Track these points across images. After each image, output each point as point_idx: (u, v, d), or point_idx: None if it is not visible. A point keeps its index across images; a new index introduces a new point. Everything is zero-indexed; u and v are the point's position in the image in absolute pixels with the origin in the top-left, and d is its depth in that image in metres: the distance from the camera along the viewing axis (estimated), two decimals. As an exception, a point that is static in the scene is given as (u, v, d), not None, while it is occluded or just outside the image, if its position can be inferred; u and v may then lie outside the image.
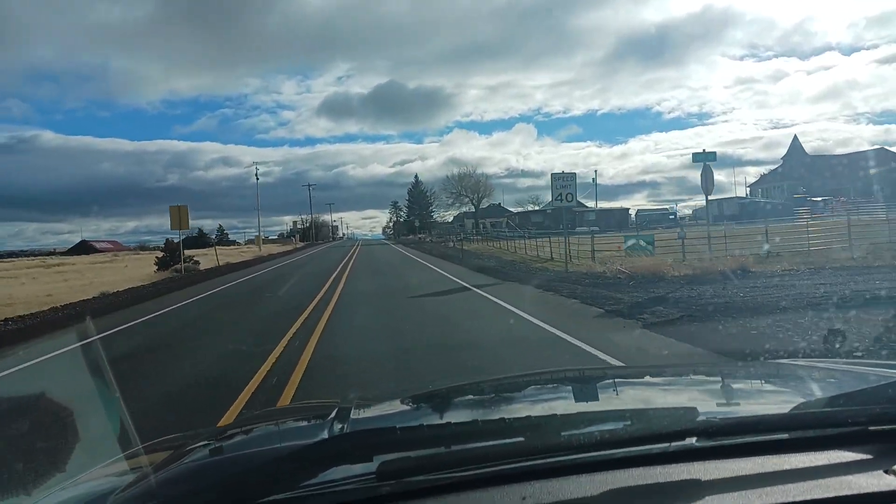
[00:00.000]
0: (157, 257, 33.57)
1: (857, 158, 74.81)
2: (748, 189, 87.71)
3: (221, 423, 4.86)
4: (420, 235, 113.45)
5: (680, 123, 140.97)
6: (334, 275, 23.31)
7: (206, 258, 46.84)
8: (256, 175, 75.78)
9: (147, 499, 1.15)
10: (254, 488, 1.10)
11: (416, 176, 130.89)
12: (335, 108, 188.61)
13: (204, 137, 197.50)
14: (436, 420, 1.66)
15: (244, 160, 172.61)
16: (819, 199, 61.77)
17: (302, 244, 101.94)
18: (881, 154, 74.18)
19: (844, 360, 3.96)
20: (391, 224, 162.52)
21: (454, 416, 1.74)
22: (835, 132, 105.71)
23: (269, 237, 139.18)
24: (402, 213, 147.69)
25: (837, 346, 6.22)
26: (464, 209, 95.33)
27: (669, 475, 1.14)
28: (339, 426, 1.51)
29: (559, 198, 20.21)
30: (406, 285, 17.79)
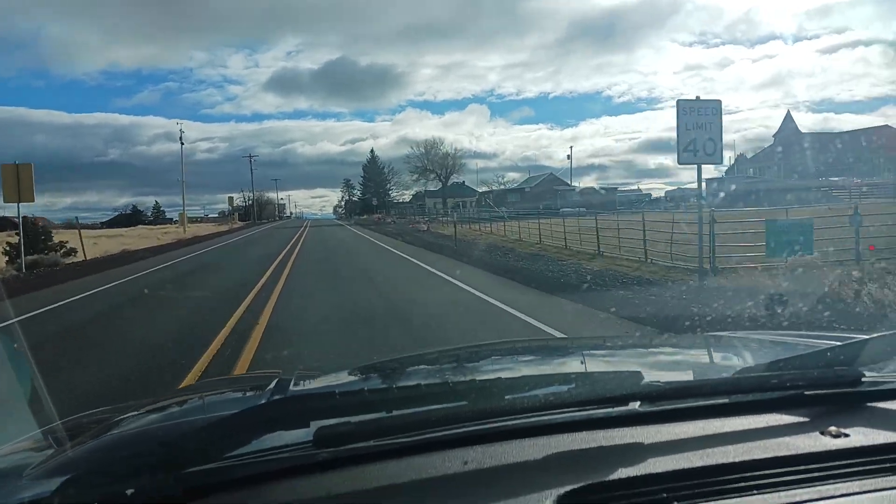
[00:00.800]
0: (7, 244, 22.79)
1: (857, 136, 68.47)
2: (731, 167, 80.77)
3: None
4: (377, 215, 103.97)
5: (629, 108, 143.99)
6: (257, 287, 13.25)
7: (113, 241, 36.47)
8: (181, 139, 63.45)
9: (65, 471, 1.06)
10: (179, 458, 1.03)
11: (371, 150, 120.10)
12: (284, 83, 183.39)
13: (147, 111, 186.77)
14: (378, 385, 1.61)
15: (189, 135, 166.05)
16: (837, 179, 54.57)
17: (241, 224, 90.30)
18: (885, 132, 67.98)
19: (780, 332, 3.46)
20: (343, 203, 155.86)
21: (397, 382, 1.71)
22: (777, 119, 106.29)
23: (209, 215, 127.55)
24: (355, 192, 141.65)
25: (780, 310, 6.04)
26: (429, 186, 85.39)
27: (612, 439, 1.14)
28: (277, 394, 1.44)
29: (690, 147, 10.64)
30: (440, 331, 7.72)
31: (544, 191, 65.20)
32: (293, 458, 1.06)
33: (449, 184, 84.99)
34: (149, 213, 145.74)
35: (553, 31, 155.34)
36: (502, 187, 79.50)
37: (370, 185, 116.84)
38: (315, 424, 1.07)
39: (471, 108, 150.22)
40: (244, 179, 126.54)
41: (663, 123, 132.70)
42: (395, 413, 1.15)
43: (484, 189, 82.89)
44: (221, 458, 1.04)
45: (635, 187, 74.84)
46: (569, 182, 71.56)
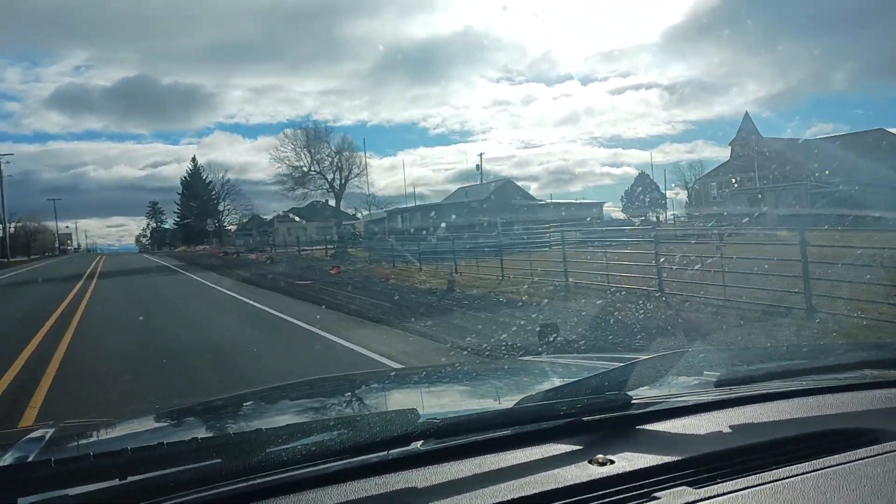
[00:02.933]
0: None
1: (849, 143, 55.48)
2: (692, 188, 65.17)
3: None
4: (207, 246, 74.72)
5: (444, 139, 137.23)
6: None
7: None
8: None
9: None
10: None
11: (193, 160, 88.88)
12: (72, 101, 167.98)
13: None
14: (115, 446, 1.36)
15: None
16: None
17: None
18: (881, 136, 55.84)
19: (580, 354, 3.60)
20: (149, 232, 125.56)
21: (141, 441, 1.51)
22: (575, 153, 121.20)
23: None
24: (164, 218, 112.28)
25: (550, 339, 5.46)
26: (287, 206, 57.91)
27: (385, 486, 1.07)
28: (10, 460, 1.28)
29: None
30: None
31: (499, 205, 42.13)
32: None
33: (302, 204, 60.29)
34: None
35: (369, 59, 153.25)
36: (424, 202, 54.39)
37: (192, 207, 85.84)
38: (24, 501, 0.95)
39: (287, 133, 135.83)
40: (24, 205, 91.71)
41: (475, 156, 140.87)
42: (129, 479, 1.01)
43: (388, 207, 56.96)
44: None
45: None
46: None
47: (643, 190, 73.74)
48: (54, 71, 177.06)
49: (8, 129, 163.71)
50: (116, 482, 1.00)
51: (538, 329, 6.95)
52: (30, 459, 1.25)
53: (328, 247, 37.14)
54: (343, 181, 49.21)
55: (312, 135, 48.53)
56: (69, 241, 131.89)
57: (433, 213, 42.80)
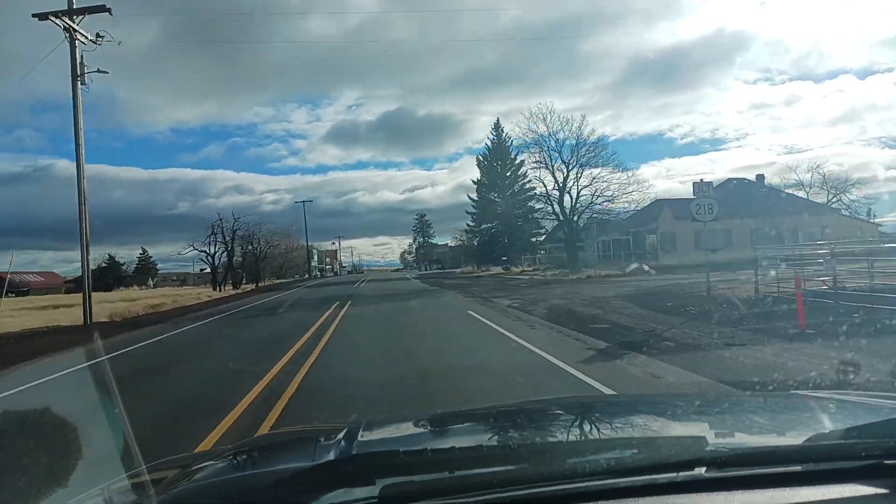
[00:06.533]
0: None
1: None
2: None
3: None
4: (531, 267, 46.78)
5: (693, 149, 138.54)
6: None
7: None
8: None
9: None
10: None
11: (496, 125, 63.22)
12: (345, 135, 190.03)
13: (215, 165, 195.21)
14: (441, 444, 1.62)
15: (256, 188, 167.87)
16: None
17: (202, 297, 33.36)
18: None
19: (856, 392, 3.56)
20: (414, 249, 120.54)
21: (460, 441, 1.71)
22: (851, 157, 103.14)
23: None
24: (431, 232, 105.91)
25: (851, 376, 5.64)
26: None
27: None
28: (344, 448, 1.47)
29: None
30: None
31: None
32: None
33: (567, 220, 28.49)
34: (131, 268, 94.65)
35: (610, 73, 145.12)
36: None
37: (485, 216, 58.26)
38: (380, 482, 1.10)
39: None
40: (306, 229, 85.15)
41: (728, 164, 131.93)
42: (457, 473, 1.16)
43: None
44: None
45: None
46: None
47: None
48: (331, 111, 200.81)
49: (297, 163, 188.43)
50: (446, 475, 1.15)
51: (838, 363, 6.63)
52: (371, 450, 1.45)
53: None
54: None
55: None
56: (328, 260, 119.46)
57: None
